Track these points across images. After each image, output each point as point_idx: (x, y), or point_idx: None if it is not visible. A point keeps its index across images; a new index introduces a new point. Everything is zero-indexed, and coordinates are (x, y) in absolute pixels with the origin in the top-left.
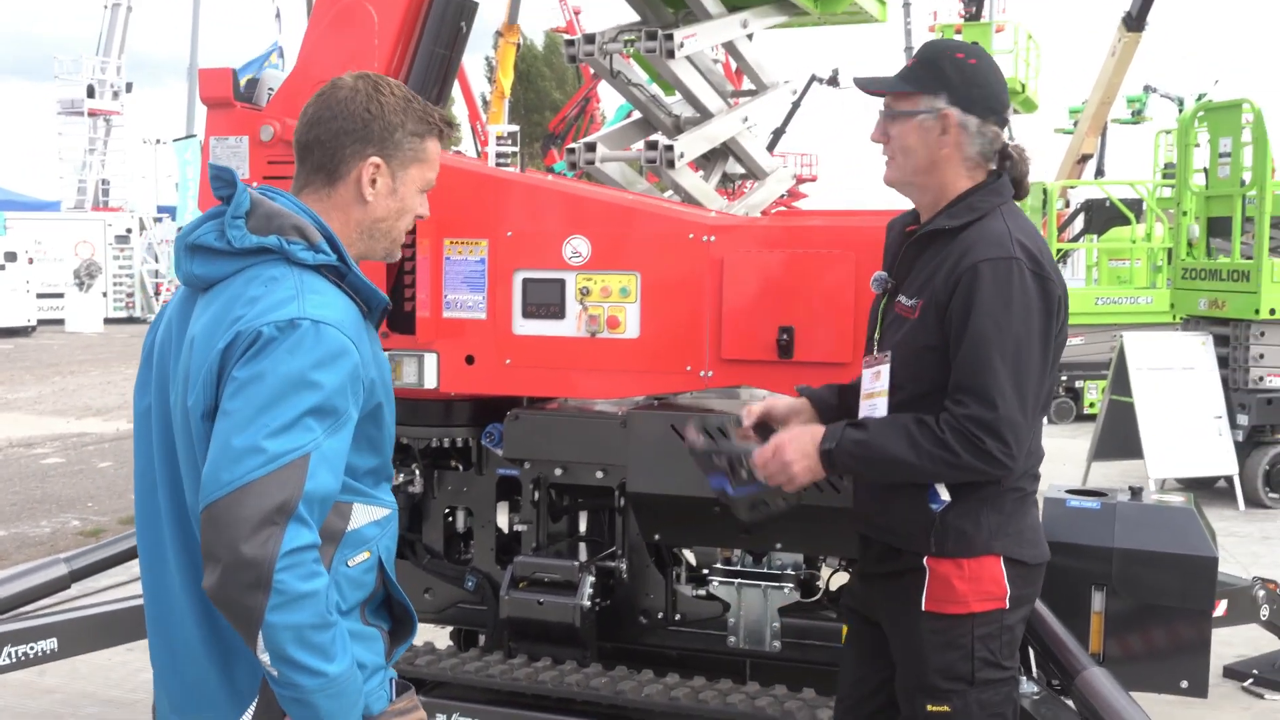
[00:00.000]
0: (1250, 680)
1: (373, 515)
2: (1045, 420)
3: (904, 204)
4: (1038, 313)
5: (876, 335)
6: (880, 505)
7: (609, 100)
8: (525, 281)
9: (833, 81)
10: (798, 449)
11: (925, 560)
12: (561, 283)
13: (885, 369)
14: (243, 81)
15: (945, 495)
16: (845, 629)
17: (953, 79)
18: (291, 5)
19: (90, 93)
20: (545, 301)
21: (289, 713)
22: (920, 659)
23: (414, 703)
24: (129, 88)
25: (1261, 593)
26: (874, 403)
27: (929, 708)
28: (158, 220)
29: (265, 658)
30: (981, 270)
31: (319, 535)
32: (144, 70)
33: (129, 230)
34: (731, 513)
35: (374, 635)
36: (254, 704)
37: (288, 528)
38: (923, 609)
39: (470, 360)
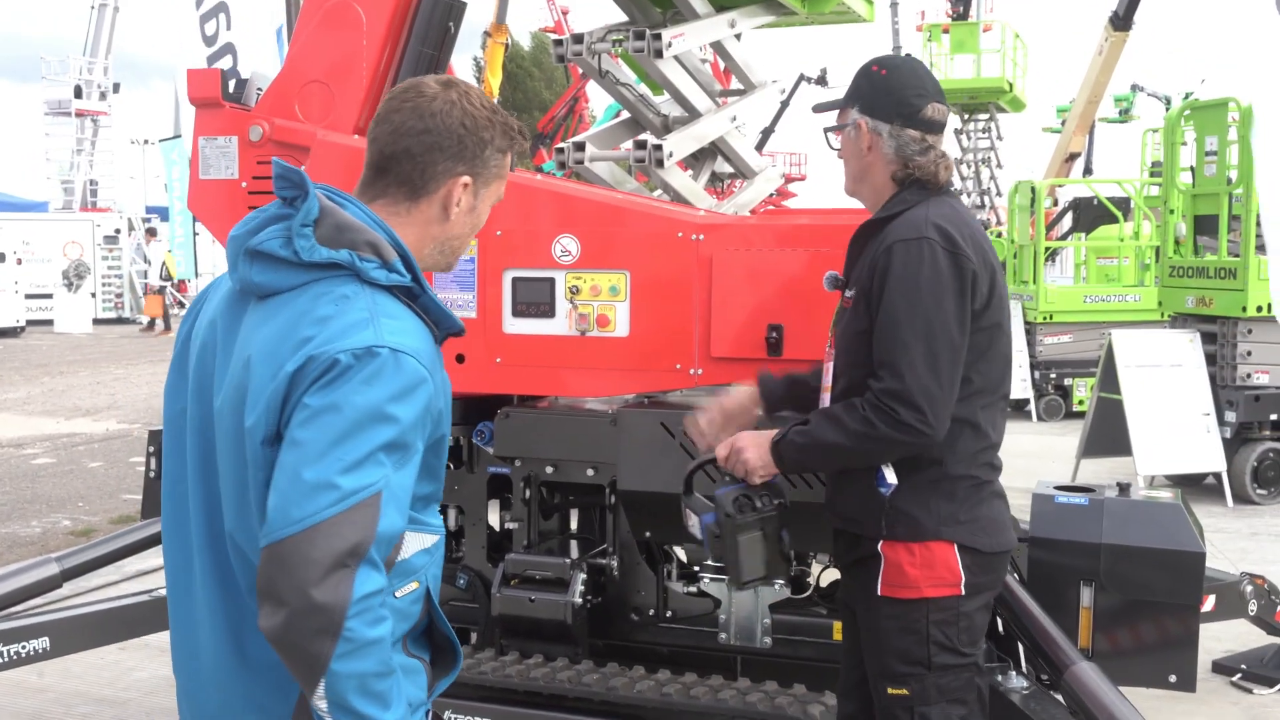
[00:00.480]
0: (1238, 675)
1: (423, 543)
2: (1034, 418)
3: None
4: (950, 290)
5: (832, 332)
6: (837, 492)
7: (598, 100)
8: (515, 280)
9: (821, 81)
10: (751, 441)
11: (880, 545)
12: (551, 281)
13: (830, 365)
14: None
15: (892, 478)
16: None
17: (864, 91)
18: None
19: (78, 93)
20: (535, 300)
21: None
22: (879, 643)
23: None
24: (116, 88)
25: (1249, 588)
26: (825, 397)
27: (889, 690)
28: (146, 221)
29: (323, 704)
30: (894, 250)
31: None
32: (131, 71)
33: (117, 231)
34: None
35: (417, 668)
36: None
37: (359, 571)
38: (879, 594)
39: (461, 359)
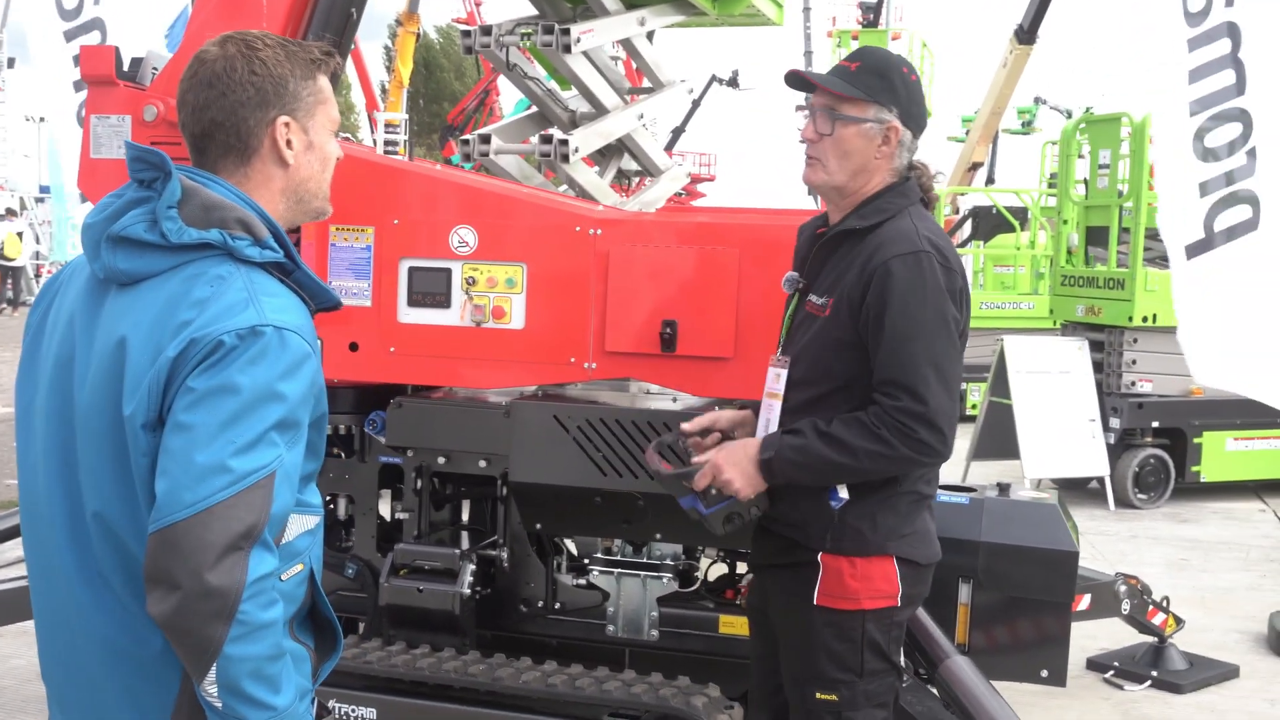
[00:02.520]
0: (1111, 672)
1: (305, 525)
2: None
3: (791, 203)
4: (949, 304)
5: (783, 337)
6: (787, 501)
7: (509, 94)
8: (411, 270)
9: (733, 83)
10: (732, 463)
11: (820, 556)
12: (448, 272)
13: (784, 373)
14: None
15: (844, 494)
16: (749, 627)
17: (902, 95)
18: None
19: None
20: (431, 290)
21: None
22: (811, 649)
23: None
24: (11, 63)
25: (1123, 588)
26: (772, 403)
27: (818, 695)
28: (39, 200)
29: (212, 689)
30: (893, 266)
31: None
32: (27, 46)
33: (9, 210)
34: (704, 527)
35: (303, 654)
36: None
37: (252, 554)
38: (814, 602)
39: (354, 347)
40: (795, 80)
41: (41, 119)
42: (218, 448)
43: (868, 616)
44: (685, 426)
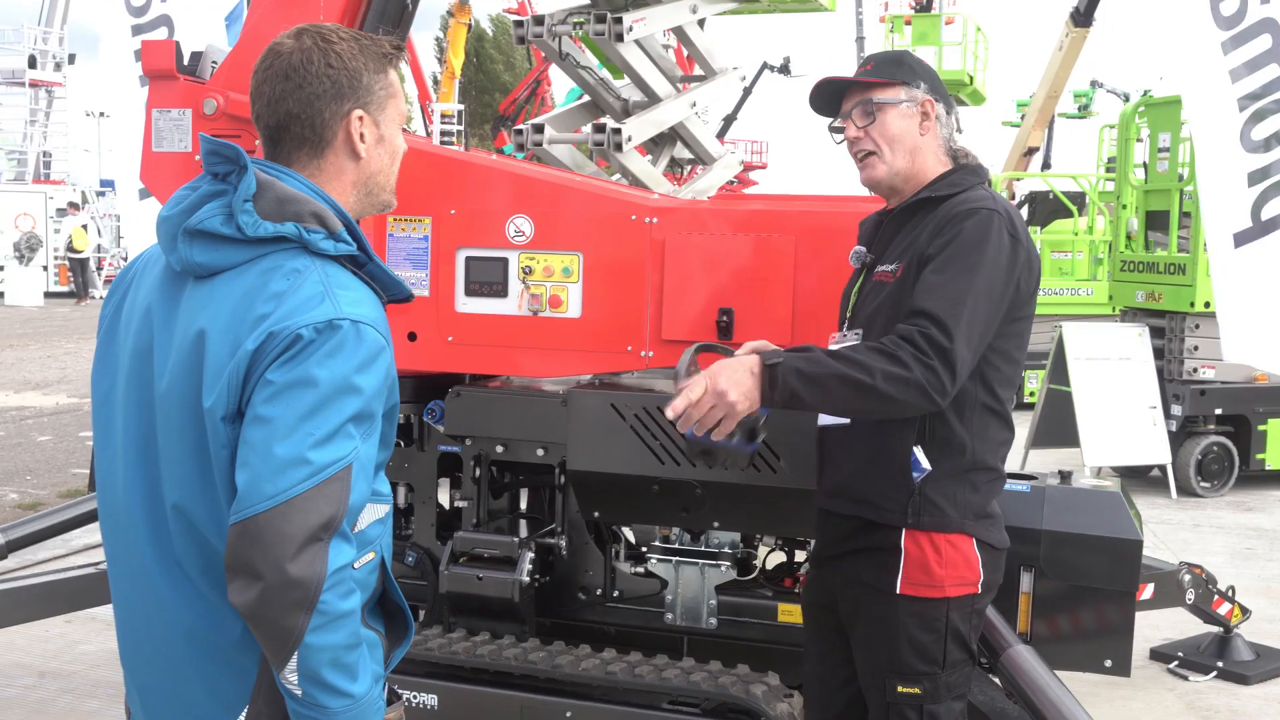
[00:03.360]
0: (1175, 662)
1: (376, 514)
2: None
3: (847, 190)
4: (1003, 268)
5: (848, 312)
6: (860, 475)
7: (560, 83)
8: (468, 259)
9: (784, 70)
10: (729, 377)
11: (902, 539)
12: (505, 261)
13: (853, 342)
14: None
15: (926, 463)
16: (805, 624)
17: (921, 71)
18: None
19: (32, 63)
20: (488, 280)
21: None
22: (894, 640)
23: (400, 713)
24: (72, 59)
25: (1187, 577)
26: None
27: (900, 689)
28: (100, 195)
29: (293, 678)
30: (975, 213)
31: None
32: (87, 42)
33: (73, 204)
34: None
35: (376, 641)
36: (243, 714)
37: (331, 544)
38: (898, 591)
39: (413, 337)
40: (821, 100)
41: (102, 114)
42: (297, 440)
43: (951, 605)
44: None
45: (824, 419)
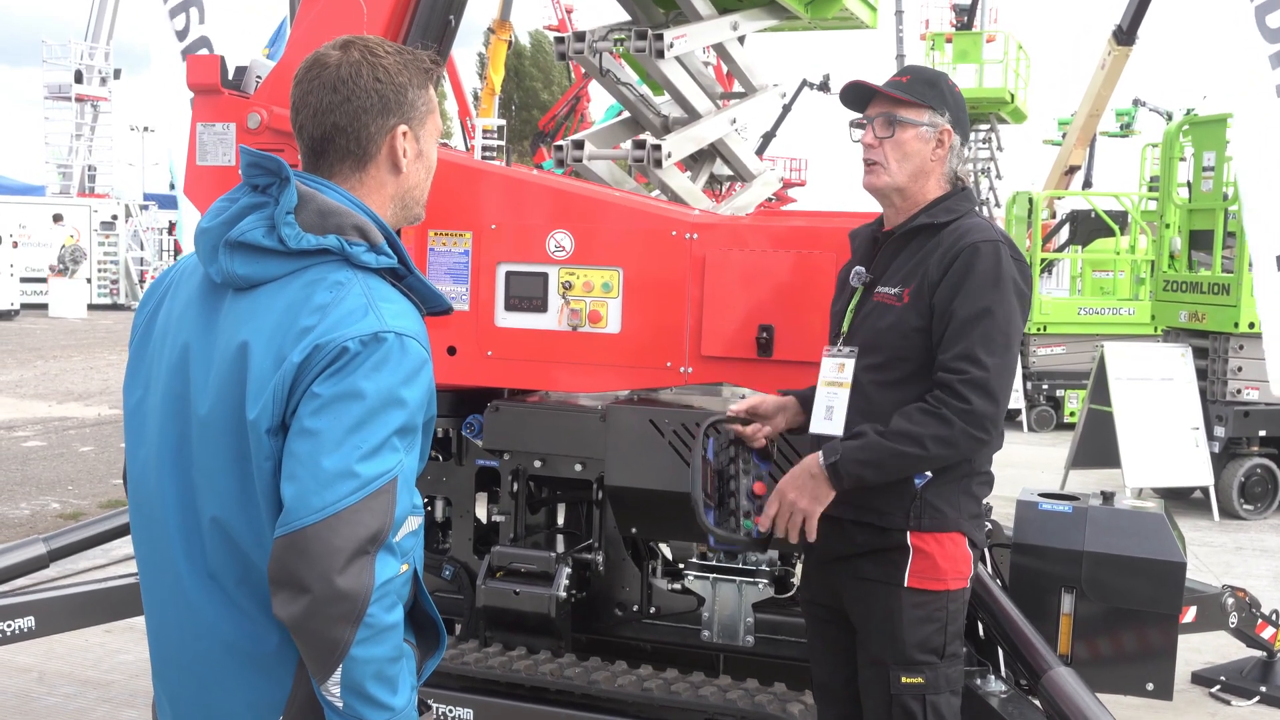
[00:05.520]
0: (1217, 686)
1: (410, 526)
2: (1025, 428)
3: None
4: (1016, 293)
5: (845, 328)
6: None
7: (599, 100)
8: (508, 274)
9: (824, 87)
10: (796, 487)
11: (909, 538)
12: (544, 276)
13: (851, 362)
14: (232, 69)
15: (928, 471)
16: (807, 624)
17: (950, 102)
18: None
19: (78, 78)
20: (528, 295)
21: None
22: (898, 632)
23: None
24: (117, 74)
25: (1230, 600)
26: (834, 391)
27: (903, 679)
28: (144, 208)
29: (335, 690)
30: (980, 249)
31: None
32: (132, 58)
33: (114, 217)
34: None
35: (409, 654)
36: None
37: (378, 558)
38: (905, 585)
39: (452, 351)
40: (851, 96)
41: (146, 129)
42: (344, 453)
43: (950, 597)
44: (733, 409)
45: (818, 428)
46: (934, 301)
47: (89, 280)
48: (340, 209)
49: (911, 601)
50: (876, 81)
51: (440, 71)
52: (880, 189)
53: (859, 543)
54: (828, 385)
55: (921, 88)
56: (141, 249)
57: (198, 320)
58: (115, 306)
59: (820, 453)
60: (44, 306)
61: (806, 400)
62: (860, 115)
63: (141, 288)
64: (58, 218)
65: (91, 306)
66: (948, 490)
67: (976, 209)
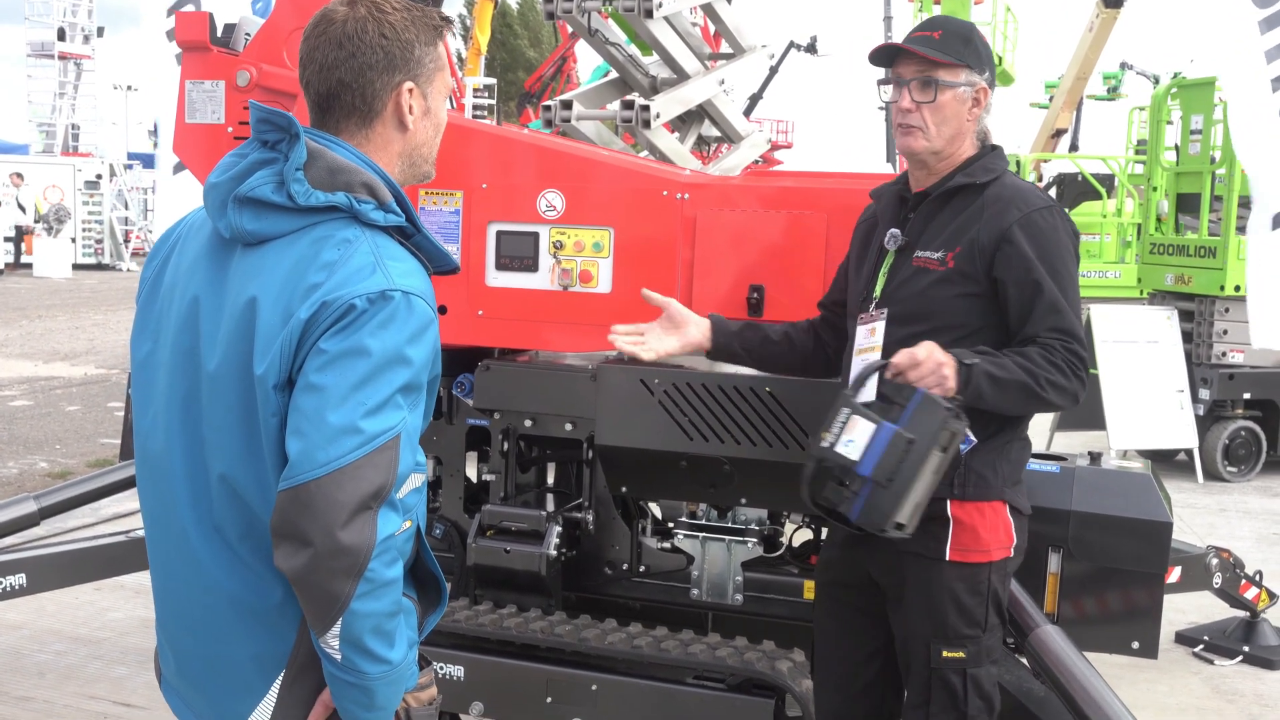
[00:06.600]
0: (1201, 646)
1: (414, 483)
2: None
3: (870, 169)
4: (1074, 255)
5: (876, 292)
6: None
7: (586, 61)
8: (499, 234)
9: (811, 49)
10: (944, 357)
11: (949, 509)
12: (535, 236)
13: (880, 325)
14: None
15: (973, 437)
16: (816, 605)
17: (984, 58)
18: None
19: (61, 35)
20: (518, 254)
21: (339, 695)
22: (940, 606)
23: (430, 678)
24: (100, 32)
25: (1215, 561)
26: (867, 358)
27: (945, 654)
28: (128, 167)
29: (334, 642)
30: (1036, 220)
31: None
32: (116, 15)
33: (99, 176)
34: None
35: (410, 609)
36: (280, 677)
37: (380, 513)
38: (947, 559)
39: (443, 310)
40: (883, 56)
41: (130, 87)
42: (349, 409)
43: (993, 568)
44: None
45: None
46: (989, 272)
47: (73, 240)
48: (349, 166)
49: (955, 575)
50: (899, 35)
51: (450, 28)
52: (917, 152)
53: None
54: (861, 354)
55: (957, 45)
56: (126, 208)
57: (207, 274)
58: (100, 266)
59: (953, 352)
60: (28, 266)
61: (722, 330)
62: (886, 74)
63: (126, 247)
64: (18, 176)
65: (76, 266)
66: (991, 456)
67: (1008, 166)
